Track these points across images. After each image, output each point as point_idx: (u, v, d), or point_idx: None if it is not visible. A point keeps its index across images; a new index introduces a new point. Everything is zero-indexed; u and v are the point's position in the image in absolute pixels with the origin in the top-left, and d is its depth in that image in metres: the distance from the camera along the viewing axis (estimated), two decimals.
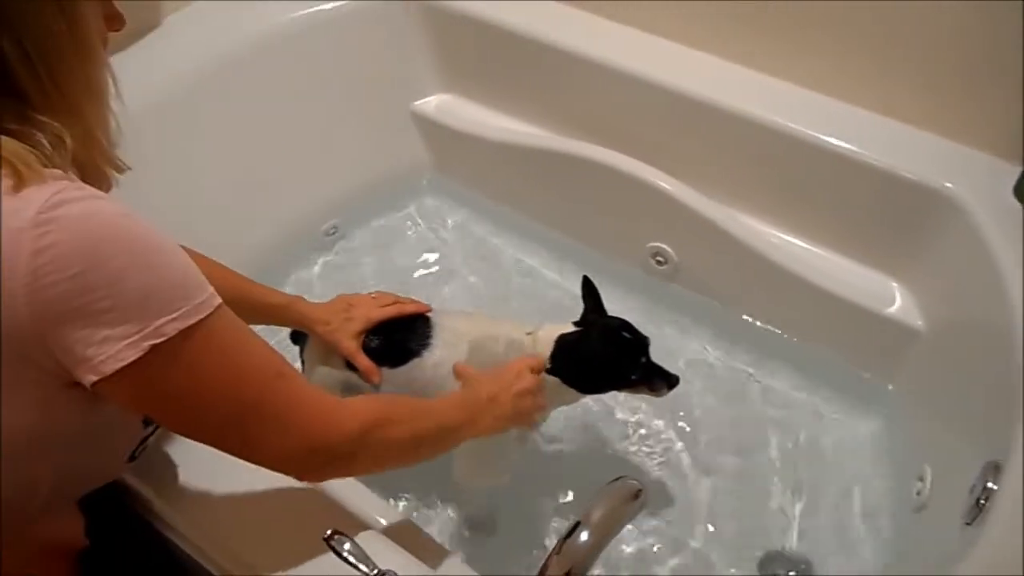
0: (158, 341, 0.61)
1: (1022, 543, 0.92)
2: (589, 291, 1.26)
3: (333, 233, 1.87)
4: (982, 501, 1.02)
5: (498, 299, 1.78)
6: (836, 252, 1.59)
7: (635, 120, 1.67)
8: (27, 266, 0.56)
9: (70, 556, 0.83)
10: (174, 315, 0.62)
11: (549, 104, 1.80)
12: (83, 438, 0.72)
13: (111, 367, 0.60)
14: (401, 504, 1.41)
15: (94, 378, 0.61)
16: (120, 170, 0.72)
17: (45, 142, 0.62)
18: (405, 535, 0.93)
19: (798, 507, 1.43)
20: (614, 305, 1.27)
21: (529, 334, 1.23)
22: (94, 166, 0.69)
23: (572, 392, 1.21)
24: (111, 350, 0.60)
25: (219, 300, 0.66)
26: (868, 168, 1.42)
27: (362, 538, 0.79)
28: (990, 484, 1.03)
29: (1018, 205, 1.31)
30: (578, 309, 1.26)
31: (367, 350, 1.21)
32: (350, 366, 1.22)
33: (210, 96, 1.56)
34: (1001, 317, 1.18)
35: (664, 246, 1.68)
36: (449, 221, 1.95)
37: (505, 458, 1.28)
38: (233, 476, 0.92)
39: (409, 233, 1.92)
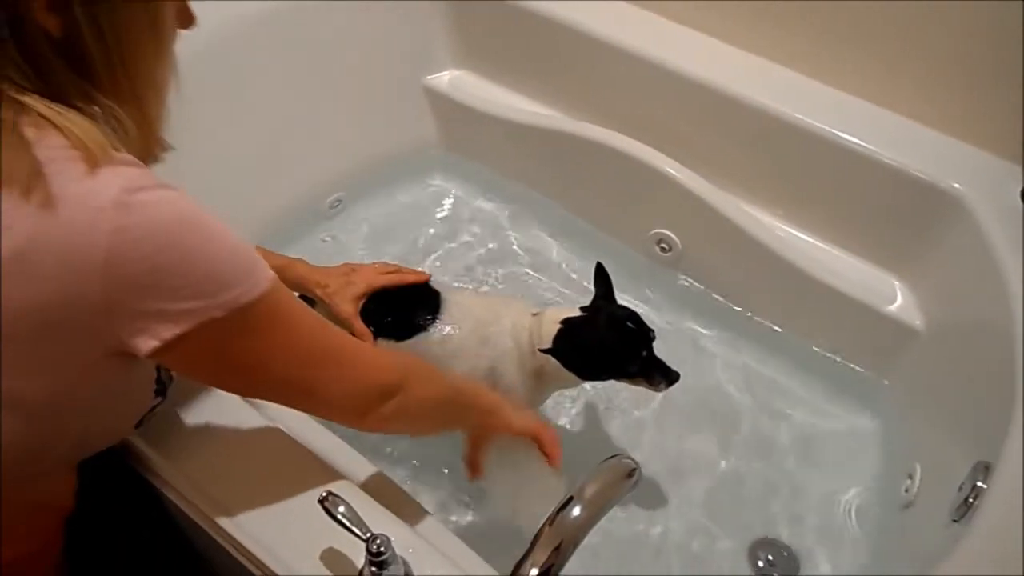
0: (220, 314, 0.65)
1: (1009, 541, 0.93)
2: (601, 278, 1.27)
3: (337, 206, 1.87)
4: (970, 499, 1.03)
5: (501, 277, 1.78)
6: (840, 247, 1.59)
7: (646, 105, 1.67)
8: (105, 244, 0.59)
9: (59, 517, 0.83)
10: (236, 290, 0.66)
11: (562, 85, 1.80)
12: (103, 403, 0.75)
13: (172, 333, 0.64)
14: (395, 472, 1.42)
15: (155, 343, 0.64)
16: (165, 151, 0.75)
17: (107, 124, 0.64)
18: (398, 502, 0.94)
19: (787, 500, 1.44)
20: (615, 288, 1.28)
21: (535, 315, 1.24)
22: (144, 149, 0.71)
23: (571, 376, 1.22)
24: (175, 321, 0.64)
25: (272, 275, 0.70)
26: (877, 165, 1.42)
27: (356, 502, 0.80)
28: (979, 483, 1.03)
29: None
30: (579, 289, 1.27)
31: (376, 323, 1.22)
32: None
33: (219, 65, 1.55)
34: (1001, 320, 1.19)
35: (669, 233, 1.69)
36: (455, 198, 1.95)
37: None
38: (230, 436, 0.93)
39: (415, 208, 1.92)
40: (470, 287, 1.75)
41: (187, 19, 0.73)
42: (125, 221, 0.59)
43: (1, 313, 0.59)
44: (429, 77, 1.92)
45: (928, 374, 1.43)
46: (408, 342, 1.22)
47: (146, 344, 0.64)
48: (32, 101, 0.61)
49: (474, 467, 1.10)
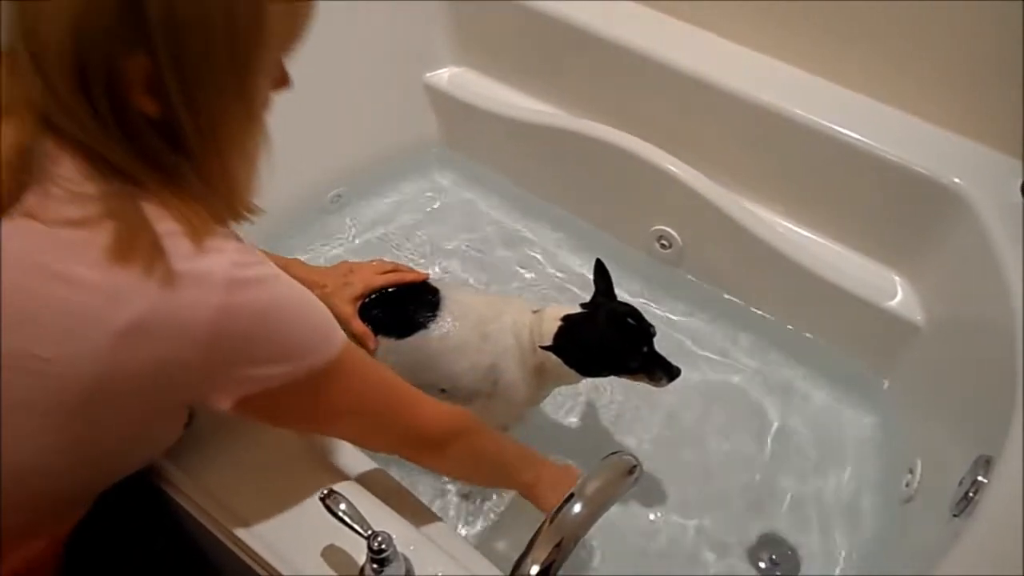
0: (300, 375, 0.73)
1: (1010, 535, 0.94)
2: (601, 275, 1.27)
3: (338, 201, 1.87)
4: (971, 494, 1.03)
5: (501, 274, 1.78)
6: (841, 243, 1.59)
7: (647, 102, 1.67)
8: (212, 319, 0.64)
9: (65, 531, 0.84)
10: (315, 355, 0.74)
11: (562, 82, 1.80)
12: (153, 443, 0.82)
13: (252, 392, 0.71)
14: (395, 470, 1.42)
15: (234, 400, 0.71)
16: (255, 215, 0.77)
17: (202, 193, 0.68)
18: (399, 500, 0.94)
19: (788, 495, 1.44)
20: (616, 285, 1.28)
21: (536, 312, 1.24)
22: (235, 213, 0.74)
23: (572, 373, 1.22)
24: (259, 383, 0.71)
25: (344, 335, 0.77)
26: (878, 160, 1.42)
27: (357, 500, 0.80)
28: (980, 477, 1.03)
29: None
30: (580, 287, 1.27)
31: (375, 321, 1.22)
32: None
33: None
34: (1001, 315, 1.19)
35: (669, 230, 1.68)
36: (455, 194, 1.95)
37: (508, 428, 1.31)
38: (232, 432, 0.93)
39: (414, 205, 1.92)
40: (470, 284, 1.75)
41: (284, 82, 0.75)
42: (230, 300, 0.65)
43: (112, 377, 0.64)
44: (429, 74, 1.92)
45: (929, 369, 1.43)
46: (408, 340, 1.22)
47: (226, 402, 0.71)
48: (142, 177, 0.65)
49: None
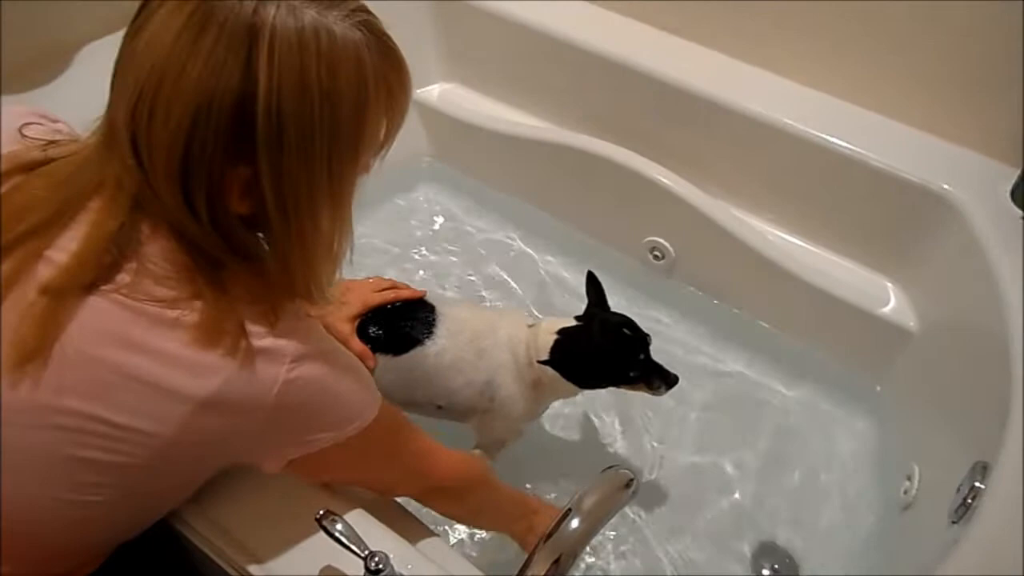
0: (342, 439, 0.77)
1: (1008, 541, 0.94)
2: (593, 286, 1.27)
3: None
4: (969, 500, 1.03)
5: (494, 288, 1.78)
6: (833, 251, 1.59)
7: (636, 114, 1.67)
8: (276, 394, 0.68)
9: None
10: (357, 422, 0.78)
11: (552, 96, 1.81)
12: (187, 494, 0.86)
13: (299, 454, 0.76)
14: None
15: (283, 463, 0.77)
16: (328, 303, 0.78)
17: (281, 283, 0.71)
18: (396, 518, 0.94)
19: (787, 504, 1.43)
20: (610, 298, 1.28)
21: (531, 327, 1.24)
22: (309, 298, 0.75)
23: (570, 386, 1.22)
24: (306, 447, 0.75)
25: (379, 396, 0.81)
26: (867, 168, 1.43)
27: (354, 519, 0.79)
28: (978, 483, 1.04)
29: (1015, 209, 1.32)
30: (574, 300, 1.27)
31: (372, 339, 1.21)
32: None
33: None
34: (994, 320, 1.19)
35: (662, 241, 1.69)
36: (447, 210, 1.95)
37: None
38: None
39: (406, 220, 1.92)
40: (464, 299, 1.75)
41: (367, 169, 0.77)
42: (292, 377, 0.69)
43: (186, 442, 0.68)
44: (419, 90, 1.92)
45: (924, 375, 1.43)
46: (405, 356, 1.22)
47: (276, 465, 0.77)
48: (228, 261, 0.68)
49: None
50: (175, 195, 0.64)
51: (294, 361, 0.69)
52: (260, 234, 0.70)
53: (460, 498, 1.01)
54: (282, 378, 0.68)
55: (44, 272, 0.64)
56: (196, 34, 0.60)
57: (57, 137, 0.75)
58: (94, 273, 0.64)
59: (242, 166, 0.63)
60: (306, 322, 0.74)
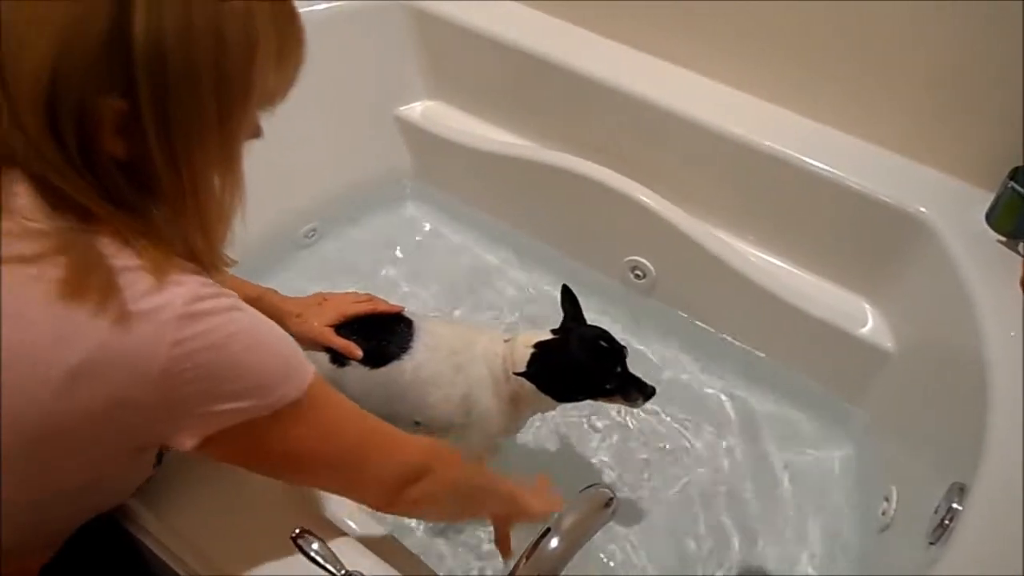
0: (265, 413, 0.69)
1: (985, 563, 0.94)
2: (569, 299, 1.27)
3: (312, 236, 1.86)
4: (946, 521, 1.03)
5: (475, 306, 1.78)
6: (811, 272, 1.61)
7: (617, 134, 1.68)
8: (165, 355, 0.62)
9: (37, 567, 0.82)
10: (280, 391, 0.69)
11: (535, 115, 1.81)
12: (118, 483, 0.81)
13: (215, 430, 0.67)
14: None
15: (198, 440, 0.67)
16: (227, 266, 0.75)
17: (171, 235, 0.66)
18: (373, 538, 0.92)
19: (763, 525, 1.43)
20: (590, 317, 1.28)
21: (507, 341, 1.24)
22: (207, 263, 0.71)
23: (547, 400, 1.22)
24: (221, 421, 0.67)
25: (312, 369, 0.73)
26: (845, 190, 1.44)
27: (330, 539, 0.78)
28: (955, 505, 1.04)
29: (990, 231, 1.34)
30: (556, 318, 1.27)
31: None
32: (333, 360, 1.21)
33: None
34: (971, 341, 1.20)
35: (643, 260, 1.69)
36: (429, 227, 1.95)
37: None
38: (202, 473, 0.91)
39: (388, 238, 1.92)
40: (442, 315, 1.74)
41: (256, 132, 0.73)
42: (184, 334, 0.62)
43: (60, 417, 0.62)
44: (402, 108, 1.93)
45: (901, 396, 1.44)
46: (382, 370, 1.21)
47: (189, 441, 0.68)
48: (105, 213, 0.63)
49: (505, 550, 1.09)
50: (42, 128, 0.59)
51: (184, 318, 0.62)
52: (147, 196, 0.65)
53: (429, 482, 0.87)
54: (169, 339, 0.61)
55: None
56: None
57: None
58: None
59: (116, 96, 0.59)
60: (206, 279, 0.67)
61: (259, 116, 0.72)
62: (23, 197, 0.62)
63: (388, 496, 0.85)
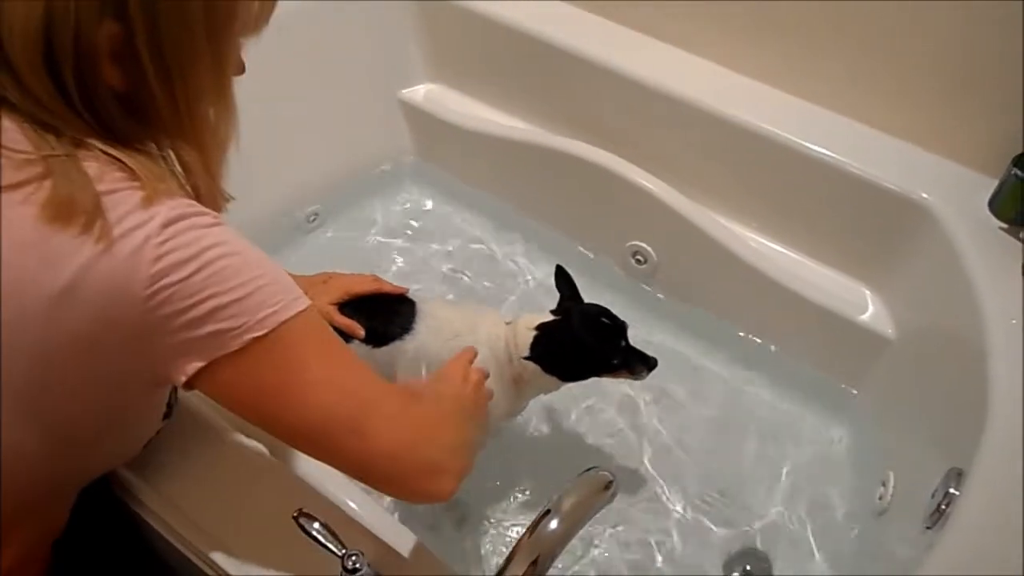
0: (259, 332, 0.65)
1: (982, 548, 0.94)
2: (563, 279, 1.27)
3: (314, 219, 1.86)
4: (943, 506, 1.04)
5: (476, 288, 1.78)
6: (812, 258, 1.61)
7: (620, 118, 1.68)
8: (148, 271, 0.60)
9: (48, 540, 0.83)
10: (273, 307, 0.66)
11: (537, 99, 1.81)
12: (128, 429, 0.79)
13: (212, 356, 0.65)
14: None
15: (195, 368, 0.65)
16: (226, 202, 0.75)
17: (169, 167, 0.67)
18: (373, 519, 0.93)
19: (761, 509, 1.44)
20: (590, 301, 1.28)
21: (509, 323, 1.24)
22: (206, 197, 0.71)
23: (553, 380, 1.22)
24: (214, 342, 0.64)
25: (308, 300, 0.70)
26: (847, 176, 1.44)
27: (331, 519, 0.79)
28: (952, 489, 1.04)
29: (992, 218, 1.34)
30: (555, 300, 1.27)
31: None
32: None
33: None
34: (971, 328, 1.20)
35: (644, 245, 1.69)
36: (431, 210, 1.95)
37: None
38: (204, 449, 0.92)
39: (391, 220, 1.92)
40: (445, 297, 1.74)
41: (239, 68, 0.73)
42: (167, 247, 0.61)
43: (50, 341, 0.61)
44: (404, 91, 1.92)
45: (900, 382, 1.44)
46: (383, 350, 1.22)
47: (184, 370, 0.65)
48: (95, 141, 0.63)
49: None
50: (38, 73, 0.60)
51: (166, 225, 0.61)
52: (145, 129, 0.66)
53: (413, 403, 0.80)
54: (150, 254, 0.60)
55: None
56: None
57: None
58: None
59: (110, 20, 0.59)
60: (191, 201, 0.65)
61: (244, 46, 0.72)
62: (9, 132, 0.62)
63: (405, 451, 0.75)
